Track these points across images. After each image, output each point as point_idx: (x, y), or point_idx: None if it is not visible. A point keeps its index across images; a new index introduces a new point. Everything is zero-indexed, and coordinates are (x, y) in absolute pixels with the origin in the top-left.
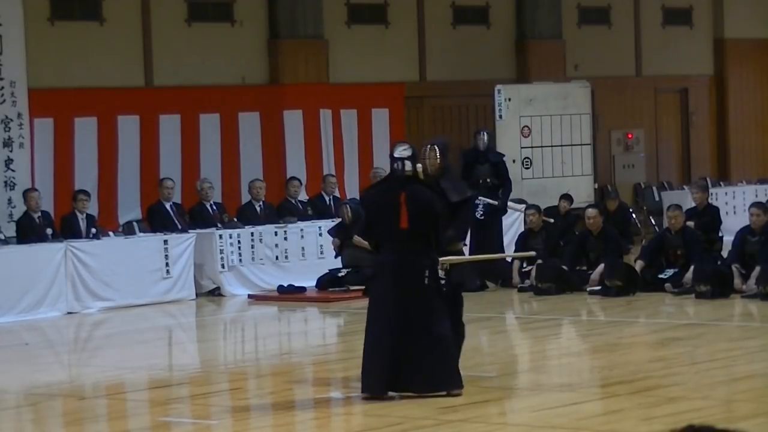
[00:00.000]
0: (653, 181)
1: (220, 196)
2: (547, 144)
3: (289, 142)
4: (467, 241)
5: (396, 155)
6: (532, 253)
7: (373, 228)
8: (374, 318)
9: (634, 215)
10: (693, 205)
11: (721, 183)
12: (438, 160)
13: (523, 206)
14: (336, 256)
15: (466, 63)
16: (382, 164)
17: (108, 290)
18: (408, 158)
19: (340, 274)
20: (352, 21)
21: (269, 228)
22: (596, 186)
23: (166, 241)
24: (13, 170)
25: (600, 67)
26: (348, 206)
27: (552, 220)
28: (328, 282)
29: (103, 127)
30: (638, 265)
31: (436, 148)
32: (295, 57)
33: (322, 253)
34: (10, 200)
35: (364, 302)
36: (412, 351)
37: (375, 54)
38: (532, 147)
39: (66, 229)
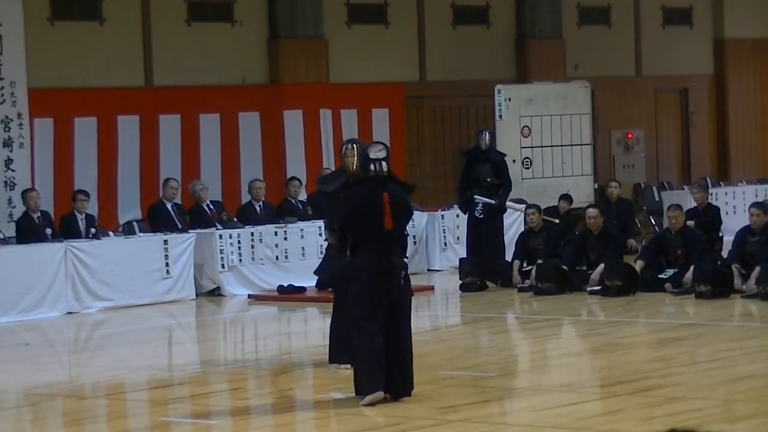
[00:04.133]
0: (653, 181)
1: (220, 195)
2: (547, 144)
3: (289, 142)
4: (466, 239)
5: (372, 156)
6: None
7: (352, 229)
8: (363, 321)
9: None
10: (693, 205)
11: (721, 183)
12: (357, 158)
13: (523, 206)
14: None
15: (466, 63)
16: None
17: (108, 290)
18: (384, 159)
19: None
20: (352, 21)
21: (269, 228)
22: (596, 186)
23: (166, 241)
24: (13, 170)
25: (600, 67)
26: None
27: (557, 221)
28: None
29: (103, 127)
30: (638, 265)
31: (356, 147)
32: (295, 57)
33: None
34: (10, 200)
35: None
36: (395, 353)
37: (375, 54)
38: (532, 147)
39: (66, 229)
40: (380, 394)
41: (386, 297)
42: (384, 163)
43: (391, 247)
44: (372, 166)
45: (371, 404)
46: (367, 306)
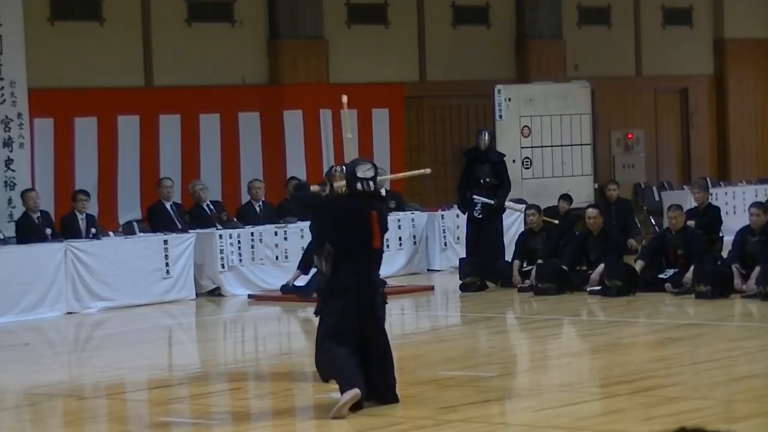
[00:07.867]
0: (653, 181)
1: (220, 195)
2: (547, 144)
3: (289, 142)
4: (465, 239)
5: (360, 175)
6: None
7: (337, 243)
8: (338, 337)
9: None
10: (693, 205)
11: (721, 183)
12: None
13: (523, 206)
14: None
15: (466, 63)
16: (381, 164)
17: (108, 290)
18: (371, 179)
19: None
20: (352, 21)
21: (269, 228)
22: (596, 186)
23: (166, 241)
24: (13, 170)
25: (600, 67)
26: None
27: (557, 222)
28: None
29: (103, 127)
30: (638, 265)
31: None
32: (295, 57)
33: None
34: (10, 200)
35: None
36: (377, 362)
37: (375, 54)
38: (532, 147)
39: (66, 229)
40: (357, 392)
41: (365, 314)
42: (372, 183)
43: (372, 265)
44: (359, 185)
45: (349, 402)
46: (345, 324)
